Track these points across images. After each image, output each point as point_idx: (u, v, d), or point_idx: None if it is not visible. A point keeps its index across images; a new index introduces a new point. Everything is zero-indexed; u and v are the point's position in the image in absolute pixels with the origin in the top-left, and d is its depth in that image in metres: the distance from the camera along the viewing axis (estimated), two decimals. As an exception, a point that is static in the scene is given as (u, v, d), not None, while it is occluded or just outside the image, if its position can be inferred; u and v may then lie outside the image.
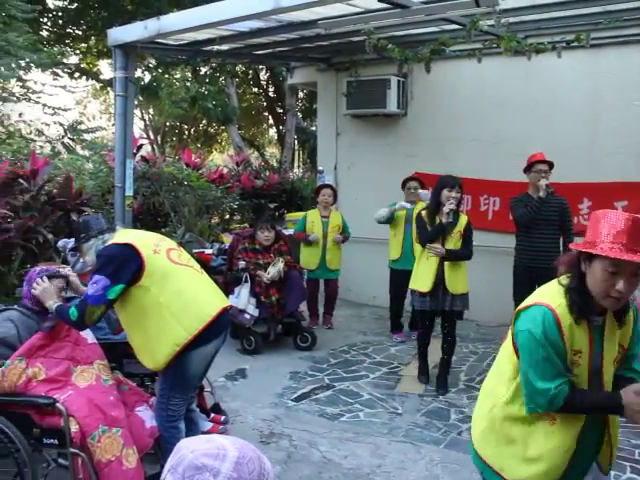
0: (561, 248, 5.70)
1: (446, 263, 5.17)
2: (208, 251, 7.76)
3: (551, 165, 5.66)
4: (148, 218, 8.82)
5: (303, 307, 6.88)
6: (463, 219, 5.31)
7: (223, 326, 3.46)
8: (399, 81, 7.75)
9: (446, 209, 5.10)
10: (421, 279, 5.26)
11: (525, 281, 5.68)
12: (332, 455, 4.14)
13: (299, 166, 19.41)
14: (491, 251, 7.00)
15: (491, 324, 7.28)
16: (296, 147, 18.68)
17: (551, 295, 2.22)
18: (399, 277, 6.66)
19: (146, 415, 3.53)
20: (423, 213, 5.34)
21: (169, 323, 3.23)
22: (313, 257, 7.09)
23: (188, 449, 1.31)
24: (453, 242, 5.20)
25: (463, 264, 5.31)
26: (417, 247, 5.46)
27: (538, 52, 6.28)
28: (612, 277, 2.05)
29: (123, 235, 3.45)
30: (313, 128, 16.85)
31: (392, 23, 6.44)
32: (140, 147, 9.74)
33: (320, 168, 8.86)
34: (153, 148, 19.82)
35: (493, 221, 7.35)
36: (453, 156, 7.56)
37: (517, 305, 6.31)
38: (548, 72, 6.92)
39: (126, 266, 3.21)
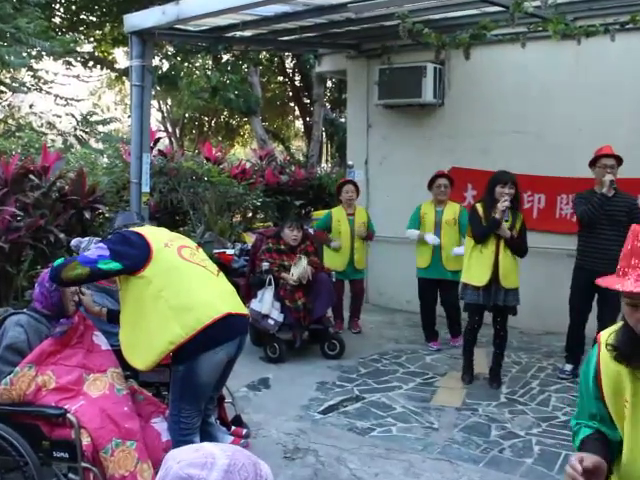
0: None
1: (501, 257, 5.36)
2: (229, 251, 7.81)
3: (620, 160, 5.52)
4: (166, 216, 8.90)
5: (330, 312, 6.86)
6: (520, 217, 5.51)
7: (236, 332, 3.46)
8: (435, 68, 7.68)
9: (501, 206, 5.25)
10: (476, 273, 5.43)
11: (585, 286, 5.53)
12: (362, 473, 4.11)
13: (327, 161, 19.41)
14: (537, 252, 6.88)
15: (535, 332, 7.17)
16: (324, 140, 18.68)
17: (616, 326, 2.00)
18: (429, 286, 6.68)
19: (162, 427, 3.54)
20: (478, 207, 5.48)
21: (167, 318, 3.25)
22: (341, 257, 7.09)
23: (175, 460, 1.33)
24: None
25: (516, 262, 5.49)
26: (469, 241, 5.57)
27: (589, 35, 6.17)
28: (633, 312, 1.77)
29: (142, 229, 3.56)
30: (342, 120, 16.84)
31: (428, 5, 6.39)
32: (157, 140, 9.82)
33: (350, 163, 8.83)
34: (171, 141, 20.04)
35: (538, 220, 7.22)
36: (494, 150, 7.47)
37: (572, 312, 6.17)
38: (600, 58, 6.77)
39: (131, 251, 3.31)
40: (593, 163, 5.60)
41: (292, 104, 21.29)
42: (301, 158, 16.82)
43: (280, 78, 20.15)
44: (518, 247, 5.45)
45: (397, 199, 7.95)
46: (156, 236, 3.47)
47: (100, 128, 12.23)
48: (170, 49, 13.54)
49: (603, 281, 1.78)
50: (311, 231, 7.27)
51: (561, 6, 6.15)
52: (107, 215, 7.30)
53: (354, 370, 6.07)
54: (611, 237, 5.39)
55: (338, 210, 7.25)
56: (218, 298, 3.44)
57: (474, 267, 5.45)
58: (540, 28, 6.28)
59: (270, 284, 6.21)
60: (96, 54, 15.49)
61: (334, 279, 6.68)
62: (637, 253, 1.70)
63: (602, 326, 5.65)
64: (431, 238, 6.54)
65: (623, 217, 5.43)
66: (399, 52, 7.86)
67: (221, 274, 3.67)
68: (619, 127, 6.72)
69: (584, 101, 6.95)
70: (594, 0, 6.40)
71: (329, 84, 18.58)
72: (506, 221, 5.31)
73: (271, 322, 6.11)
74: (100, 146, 11.89)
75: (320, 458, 4.31)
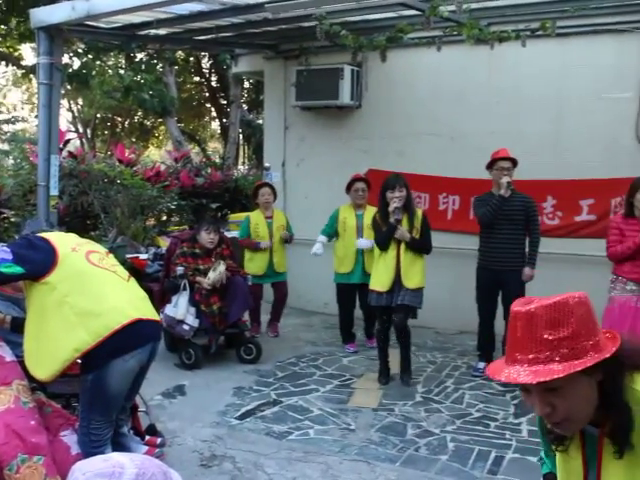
0: (527, 249, 5.81)
1: (402, 259, 5.57)
2: (143, 256, 7.66)
3: (515, 162, 5.78)
4: (76, 220, 8.66)
5: (246, 315, 6.85)
6: (419, 213, 5.74)
7: (147, 338, 3.41)
8: (353, 70, 7.78)
9: (391, 208, 5.53)
10: (379, 279, 5.66)
11: (489, 285, 5.85)
12: (280, 477, 4.11)
13: (244, 162, 19.35)
14: (451, 253, 7.09)
15: (450, 332, 7.37)
16: (241, 142, 18.62)
17: None
18: (348, 291, 6.76)
19: (72, 440, 3.44)
20: (376, 216, 5.75)
21: (72, 325, 3.17)
22: (260, 261, 7.08)
23: (81, 471, 1.31)
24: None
25: (419, 260, 5.68)
26: (375, 250, 5.78)
27: (501, 41, 6.42)
28: (527, 397, 1.67)
29: (49, 234, 3.49)
30: (259, 121, 16.81)
31: (345, 7, 6.46)
32: (67, 142, 9.57)
33: (266, 165, 8.82)
34: (82, 143, 19.52)
35: (453, 221, 7.44)
36: (410, 152, 7.64)
37: (480, 311, 6.48)
38: (512, 62, 7.05)
39: (35, 255, 3.22)
40: (490, 166, 5.85)
41: (208, 105, 21.15)
42: (217, 160, 16.67)
43: (196, 78, 19.97)
44: (422, 246, 5.65)
45: (315, 201, 8.01)
46: (63, 241, 3.39)
47: (5, 128, 11.81)
48: (81, 46, 13.19)
49: (490, 370, 1.66)
50: (227, 234, 7.24)
51: (475, 11, 6.36)
52: (13, 220, 7.05)
53: (271, 374, 6.07)
54: (509, 236, 5.76)
55: (256, 214, 7.24)
56: (128, 303, 3.38)
57: (378, 273, 5.69)
58: (455, 32, 6.47)
59: (185, 289, 6.13)
60: (1, 50, 14.92)
61: (250, 282, 6.65)
62: (526, 339, 1.59)
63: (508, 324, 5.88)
64: (364, 243, 6.56)
65: (520, 217, 5.76)
66: (317, 53, 7.91)
67: (132, 279, 3.61)
68: (529, 130, 7.01)
69: (496, 105, 7.20)
70: (507, 7, 6.63)
71: (246, 85, 18.52)
72: (397, 220, 5.49)
73: (186, 327, 6.04)
74: (6, 147, 11.47)
75: (237, 464, 4.28)
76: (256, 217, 7.18)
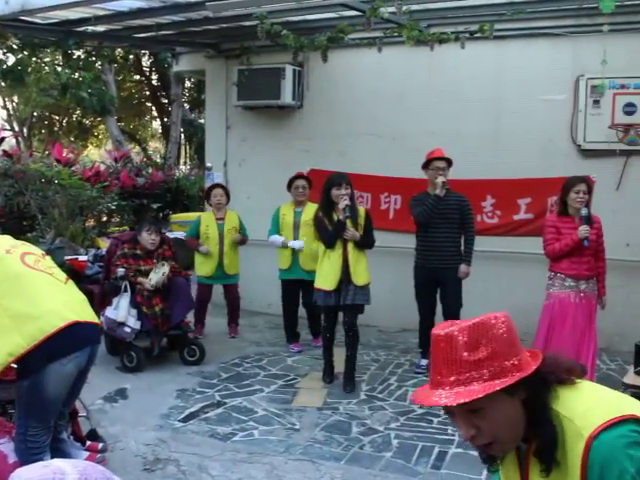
0: (462, 247, 5.92)
1: (350, 256, 5.55)
2: (82, 258, 7.52)
3: (449, 162, 5.88)
4: (12, 221, 8.46)
5: (189, 317, 6.78)
6: (361, 211, 5.74)
7: (85, 342, 3.35)
8: (294, 70, 7.78)
9: (341, 205, 5.46)
10: (326, 277, 5.59)
11: (426, 283, 5.95)
12: (224, 479, 4.08)
13: (185, 162, 19.18)
14: (394, 252, 7.16)
15: (393, 330, 7.44)
16: (182, 141, 18.46)
17: None
18: (291, 287, 6.76)
19: (9, 448, 3.36)
20: (319, 213, 5.66)
21: (6, 328, 3.10)
22: (209, 263, 7.03)
23: (20, 478, 1.27)
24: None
25: (364, 257, 5.68)
26: (319, 247, 5.73)
27: (441, 42, 6.52)
28: (453, 419, 1.66)
29: None
30: (201, 121, 16.68)
31: (286, 7, 6.46)
32: (2, 140, 9.31)
33: (208, 165, 8.76)
34: (18, 141, 19.00)
35: (395, 220, 7.51)
36: (351, 152, 7.69)
37: (420, 309, 6.59)
38: (451, 64, 7.16)
39: None
40: (426, 166, 5.94)
41: (149, 104, 20.86)
42: (159, 160, 16.49)
43: (136, 77, 19.67)
44: (365, 243, 5.66)
45: (257, 201, 7.98)
46: None
47: None
48: (16, 42, 12.82)
49: (415, 395, 1.66)
50: (169, 235, 7.15)
51: (415, 13, 6.44)
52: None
53: (215, 375, 6.02)
54: (445, 235, 5.88)
55: (207, 215, 7.20)
56: (65, 306, 3.30)
57: (324, 272, 5.62)
58: (396, 34, 6.55)
59: (126, 290, 6.04)
60: None
61: (196, 283, 6.59)
62: (446, 361, 1.58)
63: (447, 320, 5.99)
64: (297, 244, 6.61)
65: (455, 215, 5.89)
66: (258, 53, 7.88)
67: (70, 282, 3.53)
68: (467, 130, 7.14)
69: (436, 105, 7.31)
70: (446, 9, 6.73)
71: (188, 84, 18.34)
72: (348, 217, 5.47)
73: (127, 330, 5.94)
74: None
75: (181, 467, 4.24)
76: (207, 218, 7.13)
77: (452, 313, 5.93)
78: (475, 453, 4.22)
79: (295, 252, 6.65)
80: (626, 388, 3.64)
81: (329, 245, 5.58)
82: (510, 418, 1.58)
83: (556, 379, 1.62)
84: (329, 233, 5.56)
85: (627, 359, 4.84)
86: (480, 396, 1.50)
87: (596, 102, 6.71)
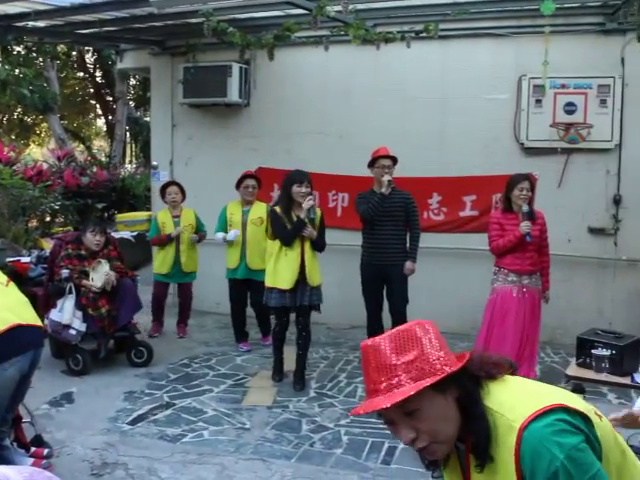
0: (407, 244, 5.99)
1: (306, 256, 5.50)
2: (25, 259, 7.33)
3: (395, 160, 5.93)
4: (-51, 222, 8.18)
5: (141, 318, 6.69)
6: (318, 212, 5.71)
7: (28, 345, 3.28)
8: (241, 68, 7.73)
9: (306, 206, 5.42)
10: (282, 276, 5.49)
11: (373, 280, 6.00)
12: (174, 481, 4.05)
13: (131, 161, 18.90)
14: (341, 250, 7.18)
15: (342, 327, 7.48)
16: (128, 140, 18.17)
17: None
18: (239, 287, 6.73)
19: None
20: (277, 210, 5.54)
21: None
22: (166, 261, 7.01)
23: None
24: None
25: (317, 257, 5.67)
26: (273, 244, 5.61)
27: (387, 41, 6.58)
28: (392, 428, 1.68)
29: None
30: (147, 119, 16.45)
31: (233, 5, 6.42)
32: (-62, 139, 9.01)
33: (154, 163, 8.64)
34: (-45, 140, 18.40)
35: (342, 218, 7.55)
36: (299, 150, 7.69)
37: (367, 305, 6.62)
38: (397, 63, 7.24)
39: None
40: (371, 164, 5.99)
41: (93, 101, 20.47)
42: (103, 159, 16.20)
43: (80, 74, 19.27)
44: (319, 244, 5.64)
45: (204, 200, 7.89)
46: None
47: None
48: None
49: (354, 410, 1.65)
50: (115, 235, 7.05)
51: (362, 12, 6.47)
52: None
53: (163, 377, 5.95)
54: (391, 232, 5.94)
55: (162, 213, 7.16)
56: (6, 309, 3.23)
57: (280, 271, 5.52)
58: (342, 32, 6.57)
59: (71, 292, 5.91)
60: None
61: (145, 284, 6.50)
62: (377, 369, 1.61)
63: (394, 316, 6.07)
64: (231, 235, 6.59)
65: (400, 213, 5.95)
66: (204, 51, 7.81)
67: (12, 284, 3.45)
68: (413, 129, 7.22)
69: (382, 104, 7.37)
70: (392, 9, 6.78)
71: (133, 81, 18.06)
72: (312, 219, 5.47)
73: (73, 332, 5.82)
74: None
75: (130, 471, 4.18)
76: (163, 216, 7.10)
77: (398, 309, 6.00)
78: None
79: (243, 251, 6.62)
80: (569, 380, 3.74)
81: (287, 243, 5.49)
82: (445, 416, 1.61)
83: (485, 374, 1.66)
84: (288, 231, 5.47)
85: (570, 351, 4.97)
86: (412, 394, 1.53)
87: (538, 101, 6.87)
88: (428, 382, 1.56)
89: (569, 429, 1.51)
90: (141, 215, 10.61)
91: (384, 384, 1.59)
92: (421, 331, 1.64)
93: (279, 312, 5.69)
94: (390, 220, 5.90)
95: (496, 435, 1.58)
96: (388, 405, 1.54)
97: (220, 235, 6.71)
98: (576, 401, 1.62)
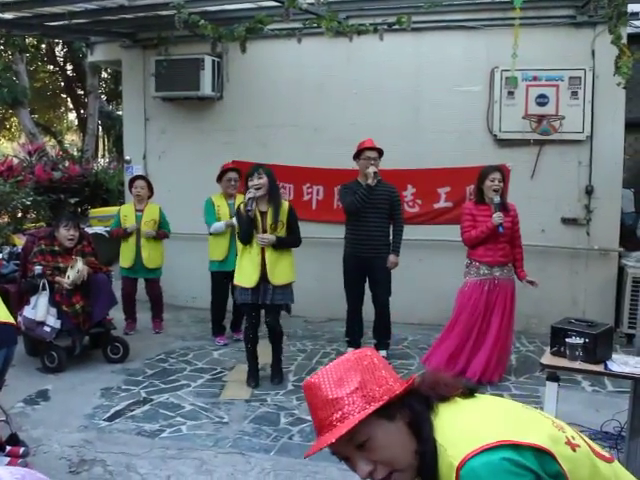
0: (390, 237, 6.01)
1: (267, 254, 5.29)
2: (-4, 256, 7.24)
3: (380, 152, 5.94)
4: None
5: (116, 314, 6.64)
6: (285, 206, 5.44)
7: (0, 343, 3.23)
8: (214, 61, 7.69)
9: (246, 198, 5.24)
10: (245, 274, 5.35)
11: (356, 272, 6.00)
12: (153, 477, 4.02)
13: (104, 155, 18.71)
14: (317, 243, 7.19)
15: (319, 320, 7.49)
16: (100, 134, 17.98)
17: None
18: (223, 279, 6.68)
19: None
20: (241, 207, 5.40)
21: None
22: (128, 255, 6.96)
23: None
24: (277, 232, 5.33)
25: (287, 255, 5.45)
26: (238, 243, 5.52)
27: (360, 34, 6.59)
28: (349, 464, 1.62)
29: None
30: (119, 112, 16.28)
31: (204, -4, 6.38)
32: None
33: (127, 158, 8.57)
34: None
35: (317, 211, 7.55)
36: (273, 143, 7.68)
37: (348, 297, 6.61)
38: (370, 55, 7.24)
39: None
40: (357, 156, 5.99)
41: (64, 95, 20.22)
42: (76, 153, 16.00)
43: (50, 67, 19.01)
44: (289, 242, 5.44)
45: (178, 193, 7.86)
46: None
47: None
48: None
49: (307, 452, 1.64)
50: (89, 230, 6.98)
51: (334, 4, 6.48)
52: None
53: (140, 372, 5.92)
54: (375, 224, 5.93)
55: (127, 206, 7.12)
56: None
57: (243, 268, 5.37)
58: (315, 25, 6.56)
59: (44, 289, 5.84)
60: None
61: (119, 277, 6.44)
62: (320, 406, 1.57)
63: (377, 307, 6.09)
64: (226, 223, 6.53)
65: (385, 205, 5.96)
66: (177, 43, 7.75)
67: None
68: (387, 121, 7.23)
69: (356, 96, 7.38)
70: (364, 1, 6.79)
71: (105, 75, 17.86)
72: (248, 211, 5.17)
73: (47, 329, 5.76)
74: None
75: (108, 467, 4.15)
76: (126, 209, 7.06)
77: (382, 301, 6.03)
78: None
79: (232, 243, 6.54)
80: (543, 368, 3.78)
81: (241, 240, 5.35)
82: (398, 442, 1.55)
83: (436, 395, 1.60)
84: (242, 229, 5.33)
85: (544, 340, 5.02)
86: (356, 423, 1.48)
87: (510, 93, 6.93)
88: (371, 409, 1.51)
89: (513, 470, 1.41)
90: (114, 210, 10.46)
91: (330, 418, 1.54)
92: (361, 359, 1.60)
93: (246, 310, 5.57)
94: (375, 212, 5.90)
95: (441, 468, 1.51)
96: (333, 440, 1.49)
97: (219, 225, 6.58)
98: (536, 432, 1.52)
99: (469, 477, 1.42)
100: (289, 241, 5.44)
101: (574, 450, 1.52)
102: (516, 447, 1.44)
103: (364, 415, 1.49)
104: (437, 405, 1.58)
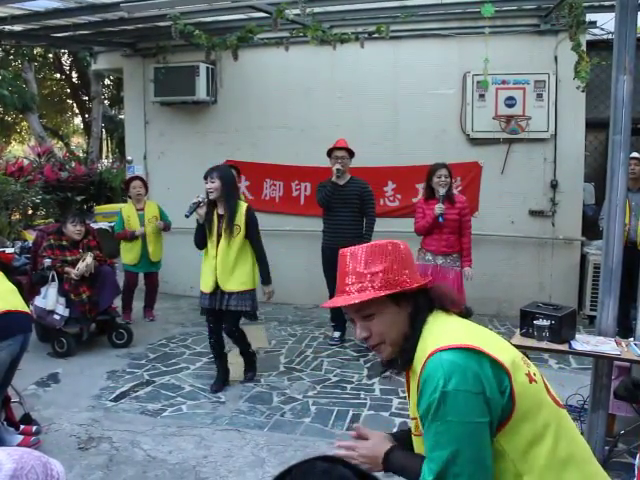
0: (364, 229, 6.00)
1: (218, 260, 4.81)
2: (9, 250, 7.16)
3: (350, 152, 5.92)
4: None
5: (118, 303, 6.61)
6: (242, 209, 4.86)
7: (18, 330, 3.22)
8: (208, 68, 7.64)
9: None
10: (203, 279, 4.94)
11: (331, 261, 5.95)
12: (156, 452, 4.01)
13: (107, 156, 18.59)
14: (305, 235, 7.18)
15: (308, 306, 7.48)
16: (104, 137, 17.85)
17: None
18: None
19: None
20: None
21: None
22: (134, 252, 6.87)
23: None
24: (233, 236, 4.82)
25: (244, 262, 4.89)
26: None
27: (343, 42, 6.58)
28: (352, 324, 1.80)
29: None
30: (121, 116, 16.16)
31: (198, 9, 6.35)
32: None
33: (129, 158, 8.51)
34: (-61, 139, 17.88)
35: (305, 206, 7.53)
36: (263, 143, 7.67)
37: (328, 285, 6.59)
38: (352, 62, 7.23)
39: None
40: (329, 155, 5.99)
41: (70, 101, 20.04)
42: (81, 154, 15.88)
43: (57, 75, 18.83)
44: (256, 249, 4.95)
45: (177, 191, 7.81)
46: None
47: None
48: None
49: (325, 304, 1.84)
50: (94, 226, 6.92)
51: (318, 15, 6.44)
52: None
53: (143, 356, 5.90)
54: (346, 218, 5.93)
55: (127, 207, 7.01)
56: None
57: (203, 273, 4.95)
58: (301, 34, 6.54)
59: (53, 280, 5.81)
60: None
61: (122, 270, 6.39)
62: (348, 272, 1.72)
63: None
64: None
65: (355, 200, 5.95)
66: (173, 52, 7.70)
67: (0, 274, 3.37)
68: (369, 122, 7.23)
69: (340, 99, 7.36)
70: (346, 11, 6.78)
71: (107, 81, 17.71)
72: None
73: (57, 317, 5.73)
74: None
75: (114, 444, 4.14)
76: (127, 210, 6.95)
77: None
78: (385, 414, 4.32)
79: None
80: (513, 349, 3.80)
81: (197, 246, 4.97)
82: (395, 324, 1.69)
83: (439, 304, 1.73)
84: (195, 236, 4.93)
85: (514, 323, 5.03)
86: (367, 299, 1.64)
87: (481, 96, 6.93)
88: (384, 293, 1.65)
89: (465, 373, 1.50)
90: (118, 207, 10.44)
91: (351, 287, 1.69)
92: (391, 248, 1.72)
93: (206, 315, 5.04)
94: (345, 207, 5.90)
95: (418, 352, 1.64)
96: (346, 304, 1.67)
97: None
98: (505, 354, 1.59)
99: (432, 363, 1.55)
100: (255, 247, 4.93)
101: (530, 382, 1.59)
102: (480, 354, 1.54)
103: (376, 295, 1.65)
104: (436, 310, 1.72)
